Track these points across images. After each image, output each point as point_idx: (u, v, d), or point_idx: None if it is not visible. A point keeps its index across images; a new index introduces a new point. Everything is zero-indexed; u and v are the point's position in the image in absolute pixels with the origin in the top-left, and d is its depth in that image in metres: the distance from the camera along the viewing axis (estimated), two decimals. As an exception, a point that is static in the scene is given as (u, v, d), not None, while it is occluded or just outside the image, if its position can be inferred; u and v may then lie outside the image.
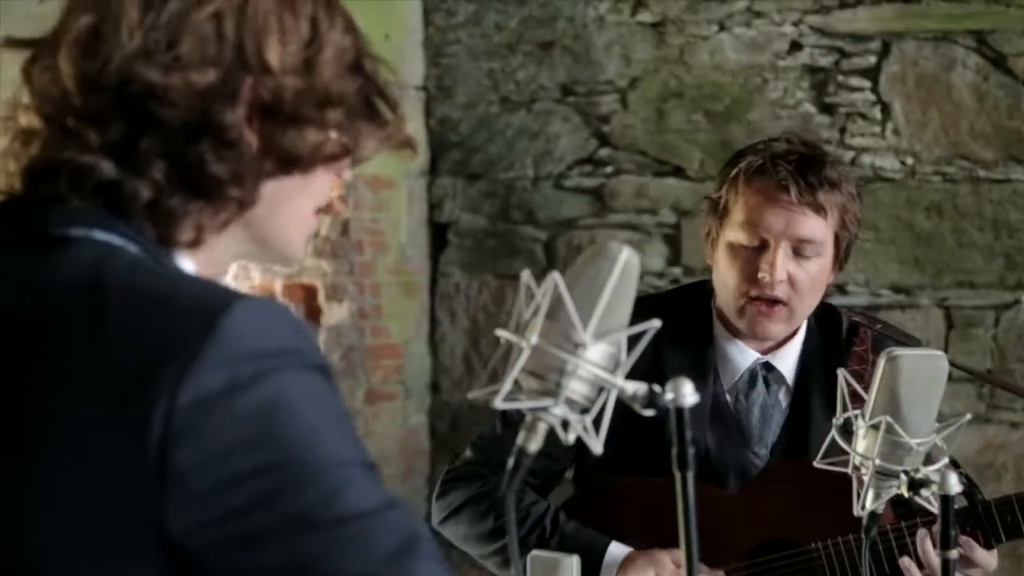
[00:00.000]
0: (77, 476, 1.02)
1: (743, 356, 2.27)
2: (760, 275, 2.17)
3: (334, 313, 4.89)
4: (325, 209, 1.24)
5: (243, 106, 1.11)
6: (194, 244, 1.13)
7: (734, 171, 2.23)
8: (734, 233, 2.21)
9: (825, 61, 4.66)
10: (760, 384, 2.28)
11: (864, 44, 4.62)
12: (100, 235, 1.10)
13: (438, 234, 5.14)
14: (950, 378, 4.71)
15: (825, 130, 4.65)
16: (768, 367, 2.28)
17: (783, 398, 2.28)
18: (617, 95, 4.89)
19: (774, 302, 2.19)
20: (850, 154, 4.63)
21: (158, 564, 1.02)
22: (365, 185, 4.91)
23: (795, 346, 2.29)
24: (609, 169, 4.91)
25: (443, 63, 5.08)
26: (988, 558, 2.15)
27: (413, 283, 5.11)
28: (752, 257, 2.19)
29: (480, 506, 2.28)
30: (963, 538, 2.12)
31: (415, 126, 5.09)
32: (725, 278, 2.22)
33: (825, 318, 2.32)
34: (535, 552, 1.59)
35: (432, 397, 5.13)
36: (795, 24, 4.68)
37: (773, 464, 2.27)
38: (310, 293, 4.93)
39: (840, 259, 2.25)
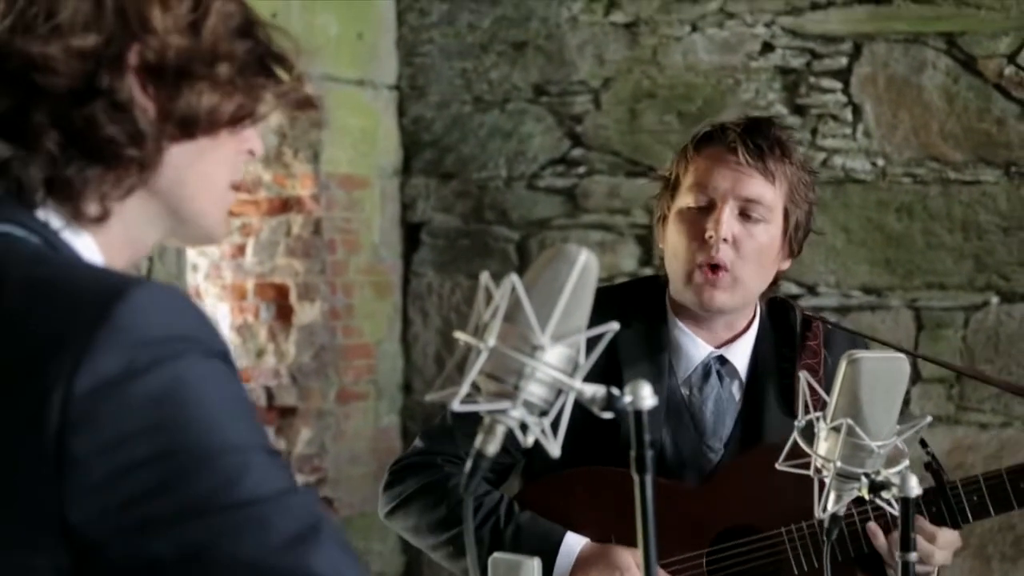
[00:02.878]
0: None
1: (697, 349, 2.27)
2: (707, 234, 2.18)
3: (306, 313, 4.88)
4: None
5: (131, 71, 1.11)
6: (101, 218, 1.13)
7: (683, 147, 2.28)
8: (683, 199, 2.23)
9: (797, 62, 4.67)
10: (714, 377, 2.27)
11: (835, 46, 4.63)
12: (1, 227, 1.10)
13: (411, 234, 5.13)
14: (921, 379, 4.72)
15: (797, 131, 4.65)
16: (722, 360, 2.28)
17: (736, 392, 2.28)
18: (590, 95, 4.90)
19: (717, 267, 2.18)
20: (821, 155, 4.64)
21: (56, 554, 1.01)
22: (337, 185, 4.90)
23: (748, 339, 2.29)
24: (582, 169, 4.91)
25: (416, 62, 5.08)
26: (947, 534, 2.14)
27: (385, 283, 5.10)
28: (700, 218, 2.20)
29: (431, 495, 2.24)
30: (918, 517, 2.12)
31: (388, 126, 5.08)
32: (675, 247, 2.23)
33: (778, 311, 2.33)
34: (496, 555, 1.58)
35: (404, 397, 5.13)
36: (767, 25, 4.70)
37: (732, 456, 2.26)
38: (282, 292, 4.91)
39: (791, 241, 2.25)
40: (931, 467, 2.12)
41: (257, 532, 1.03)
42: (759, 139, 2.20)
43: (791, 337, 2.30)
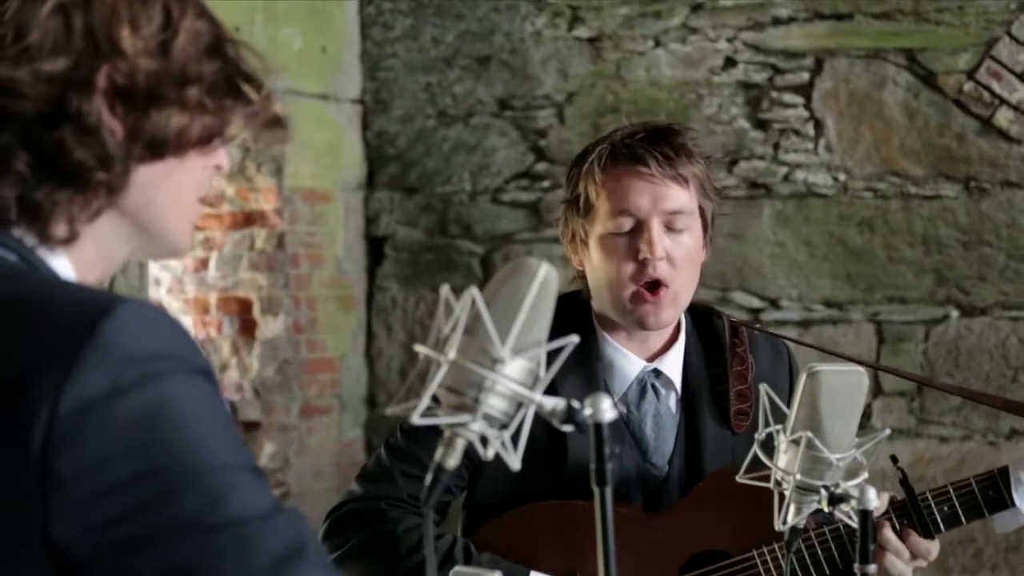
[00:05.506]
0: None
1: (631, 364, 2.22)
2: (640, 256, 2.14)
3: (269, 327, 4.86)
4: (210, 202, 1.23)
5: (100, 94, 1.11)
6: (70, 239, 1.13)
7: (586, 165, 2.21)
8: (604, 224, 2.18)
9: (759, 77, 4.70)
10: (650, 394, 2.24)
11: (797, 61, 4.67)
12: None
13: (375, 248, 5.12)
14: (882, 393, 4.75)
15: (759, 146, 4.69)
16: (656, 373, 2.24)
17: (674, 405, 2.25)
18: (554, 109, 4.91)
19: (657, 285, 2.15)
20: (783, 170, 4.67)
21: (39, 571, 1.01)
22: (301, 198, 4.89)
23: (679, 348, 2.26)
24: (546, 183, 4.92)
25: (380, 76, 5.08)
26: (929, 547, 2.15)
27: (349, 297, 5.09)
28: (628, 241, 2.16)
29: (379, 546, 2.15)
30: (903, 531, 2.14)
31: (352, 139, 5.08)
32: (605, 271, 2.18)
33: (703, 319, 2.30)
34: (458, 568, 1.58)
35: (368, 411, 5.12)
36: (729, 41, 4.72)
37: (674, 472, 2.24)
38: (245, 306, 4.90)
39: (708, 234, 2.23)
40: (902, 481, 2.14)
41: (242, 553, 1.03)
42: (666, 147, 2.16)
43: (719, 344, 2.27)
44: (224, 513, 1.03)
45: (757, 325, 2.33)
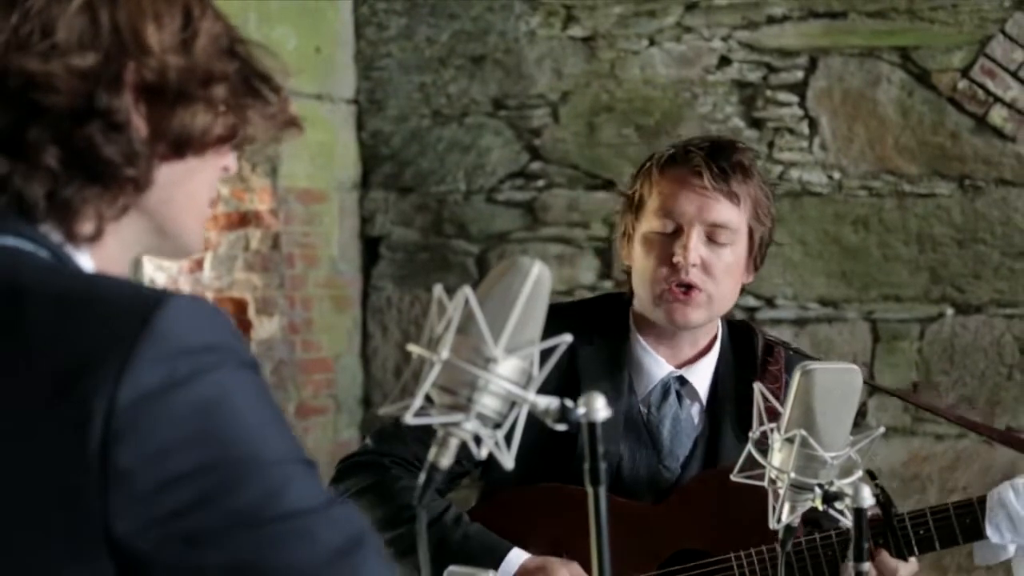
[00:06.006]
0: (6, 480, 1.01)
1: (658, 367, 2.27)
2: (675, 259, 2.18)
3: (264, 327, 4.86)
4: (213, 202, 1.24)
5: (128, 91, 1.11)
6: (95, 237, 1.13)
7: (647, 164, 2.27)
8: (649, 223, 2.23)
9: (753, 76, 4.70)
10: (672, 397, 2.27)
11: (791, 59, 4.67)
12: (10, 241, 1.09)
13: (370, 248, 5.12)
14: (877, 391, 4.74)
15: (753, 144, 4.68)
16: (682, 381, 2.28)
17: (696, 414, 2.28)
18: (548, 109, 4.91)
19: (689, 288, 2.19)
20: (778, 168, 4.67)
21: (101, 565, 1.01)
22: (296, 198, 4.89)
23: (710, 360, 2.29)
24: (541, 183, 4.93)
25: (374, 76, 5.07)
26: (898, 567, 2.16)
27: (344, 297, 5.09)
28: (667, 243, 2.21)
29: (376, 494, 2.23)
30: (875, 548, 2.14)
31: (347, 139, 5.08)
32: (642, 268, 2.23)
33: (740, 335, 2.34)
34: (452, 568, 1.58)
35: (363, 411, 5.11)
36: (724, 39, 4.72)
37: (688, 478, 2.27)
38: (240, 307, 4.89)
39: (755, 256, 2.27)
40: (879, 500, 2.13)
41: (303, 544, 1.03)
42: (723, 162, 2.20)
43: (752, 361, 2.30)
44: (284, 505, 1.03)
45: (794, 346, 2.36)
